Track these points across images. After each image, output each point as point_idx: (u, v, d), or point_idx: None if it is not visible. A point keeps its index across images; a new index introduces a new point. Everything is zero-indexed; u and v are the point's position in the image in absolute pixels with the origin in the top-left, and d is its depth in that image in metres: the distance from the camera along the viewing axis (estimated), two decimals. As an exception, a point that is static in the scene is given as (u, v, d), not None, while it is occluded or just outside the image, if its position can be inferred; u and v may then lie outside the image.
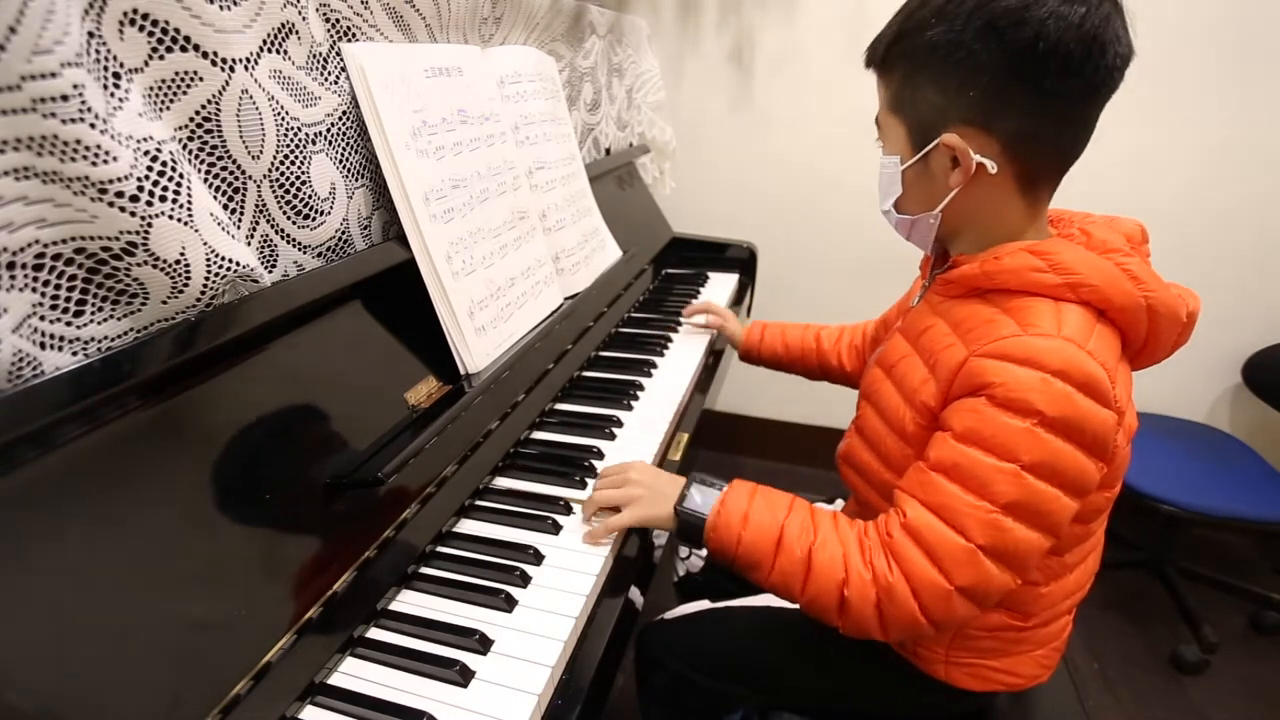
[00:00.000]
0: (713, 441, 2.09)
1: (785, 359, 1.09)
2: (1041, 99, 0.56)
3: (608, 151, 1.48)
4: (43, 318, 0.45)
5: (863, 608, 0.59)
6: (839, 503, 0.96)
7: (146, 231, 0.47)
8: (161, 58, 0.51)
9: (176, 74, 0.52)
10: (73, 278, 0.47)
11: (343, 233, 0.71)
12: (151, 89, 0.51)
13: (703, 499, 0.67)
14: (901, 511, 0.60)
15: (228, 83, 0.55)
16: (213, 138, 0.55)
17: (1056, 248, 0.59)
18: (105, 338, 0.49)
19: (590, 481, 0.78)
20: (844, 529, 0.63)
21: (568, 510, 0.74)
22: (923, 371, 0.64)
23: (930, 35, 0.57)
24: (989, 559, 0.56)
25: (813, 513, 0.65)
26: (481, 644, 0.57)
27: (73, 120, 0.41)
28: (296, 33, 0.62)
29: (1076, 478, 0.56)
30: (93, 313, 0.48)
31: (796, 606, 0.83)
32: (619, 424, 0.90)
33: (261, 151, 0.59)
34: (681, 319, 1.22)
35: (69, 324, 0.47)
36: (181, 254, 0.50)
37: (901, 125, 0.63)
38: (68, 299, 0.47)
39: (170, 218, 0.49)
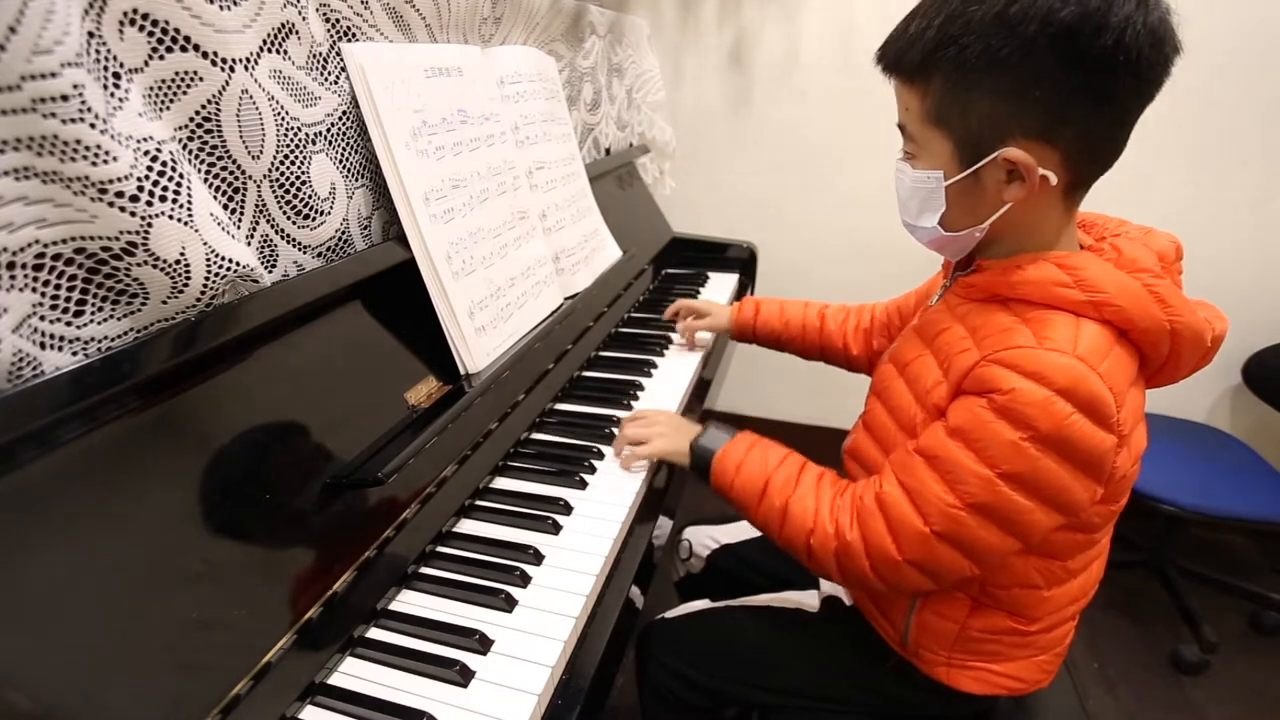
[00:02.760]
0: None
1: (784, 336, 1.07)
2: (1108, 106, 0.54)
3: (608, 151, 1.48)
4: (43, 318, 0.45)
5: (824, 557, 0.66)
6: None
7: (146, 231, 0.47)
8: (161, 58, 0.51)
9: (176, 74, 0.52)
10: (73, 278, 0.47)
11: (343, 233, 0.71)
12: (151, 89, 0.51)
13: (713, 442, 0.76)
14: (879, 481, 0.64)
15: (228, 83, 0.55)
16: (213, 138, 0.55)
17: (1084, 263, 0.57)
18: (105, 338, 0.49)
19: (589, 480, 0.79)
20: (824, 487, 0.69)
21: (568, 510, 0.74)
22: (936, 373, 0.64)
23: (989, 44, 0.53)
24: (941, 544, 0.59)
25: (801, 468, 0.71)
26: (481, 644, 0.57)
27: (73, 120, 0.41)
28: (296, 33, 0.62)
29: (1057, 495, 0.56)
30: (93, 313, 0.48)
31: (797, 606, 0.85)
32: (619, 424, 0.90)
33: (261, 151, 0.59)
34: (674, 337, 1.16)
35: (69, 324, 0.47)
36: (181, 254, 0.50)
37: (945, 138, 0.59)
38: (68, 299, 0.46)
39: (170, 218, 0.49)
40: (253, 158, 0.58)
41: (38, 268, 0.45)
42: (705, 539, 1.03)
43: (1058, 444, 0.54)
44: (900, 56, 0.59)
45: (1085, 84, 0.53)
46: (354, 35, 0.72)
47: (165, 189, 0.48)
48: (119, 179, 0.45)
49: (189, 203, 0.50)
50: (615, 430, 0.89)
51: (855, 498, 0.65)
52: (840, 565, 0.65)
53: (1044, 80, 0.53)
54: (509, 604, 0.61)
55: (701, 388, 1.08)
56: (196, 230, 0.51)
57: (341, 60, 0.70)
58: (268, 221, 0.62)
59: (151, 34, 0.50)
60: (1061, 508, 0.57)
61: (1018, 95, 0.54)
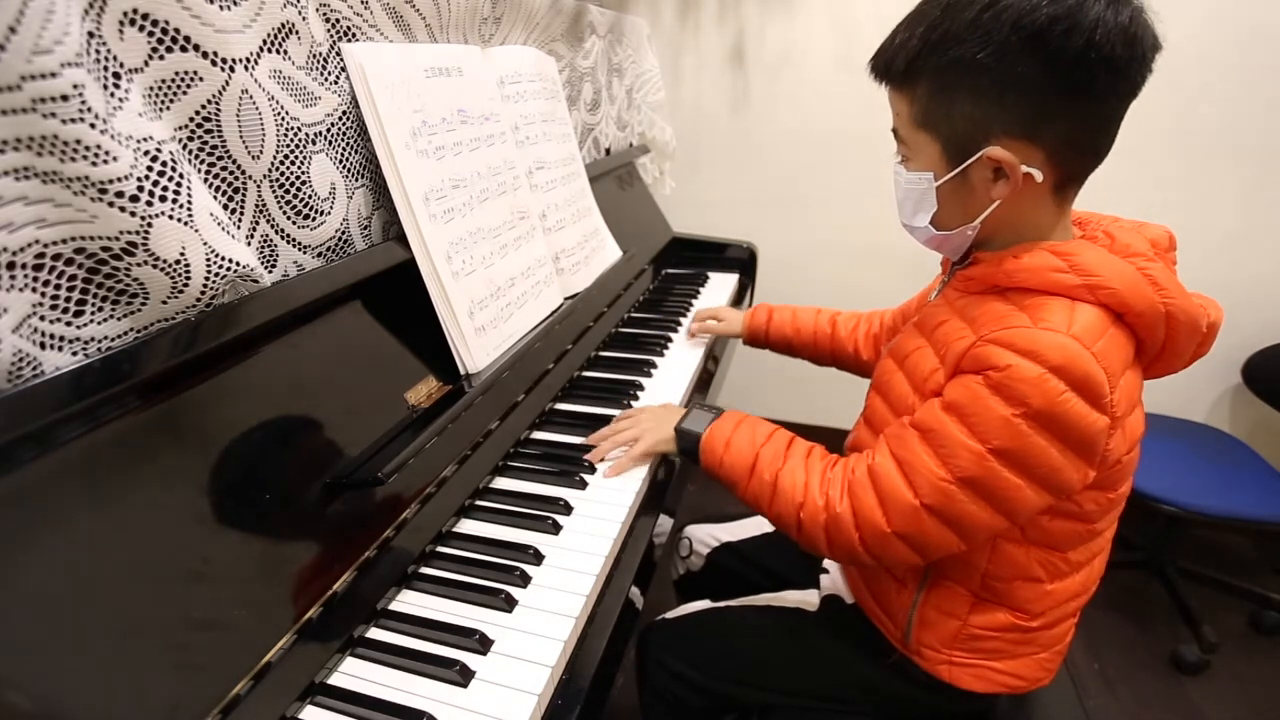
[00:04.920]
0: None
1: (795, 342, 1.08)
2: (1087, 104, 0.55)
3: (608, 151, 1.48)
4: (43, 318, 0.45)
5: (813, 530, 0.67)
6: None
7: (146, 231, 0.47)
8: (161, 58, 0.51)
9: (176, 74, 0.52)
10: (73, 278, 0.47)
11: (343, 233, 0.71)
12: (151, 89, 0.51)
13: (697, 423, 0.78)
14: (873, 454, 0.65)
15: (228, 83, 0.55)
16: (213, 138, 0.55)
17: (1078, 249, 0.58)
18: (105, 338, 0.49)
19: (589, 480, 0.79)
20: (814, 461, 0.71)
21: (568, 510, 0.74)
22: (934, 362, 0.65)
23: (965, 49, 0.55)
24: (930, 517, 0.60)
25: (790, 443, 0.73)
26: (481, 644, 0.57)
27: (73, 120, 0.41)
28: (296, 33, 0.62)
29: (1047, 474, 0.57)
30: (93, 313, 0.48)
31: (797, 605, 0.85)
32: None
33: (261, 151, 0.59)
34: (688, 330, 1.19)
35: (69, 324, 0.47)
36: (181, 254, 0.50)
37: (933, 140, 0.61)
38: (68, 299, 0.46)
39: (170, 218, 0.49)
40: (253, 158, 0.58)
41: (38, 268, 0.45)
42: (706, 537, 1.03)
43: (1049, 421, 0.55)
44: (888, 65, 0.62)
45: (1062, 84, 0.54)
46: (354, 35, 0.72)
47: (165, 189, 0.48)
48: (119, 179, 0.45)
49: (189, 203, 0.50)
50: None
51: (847, 470, 0.67)
52: (829, 537, 0.66)
53: (1021, 81, 0.54)
54: (509, 604, 0.61)
55: (702, 388, 1.08)
56: (196, 230, 0.51)
57: (341, 60, 0.70)
58: (268, 221, 0.62)
59: (151, 34, 0.50)
60: (1051, 487, 0.58)
61: (997, 96, 0.56)
